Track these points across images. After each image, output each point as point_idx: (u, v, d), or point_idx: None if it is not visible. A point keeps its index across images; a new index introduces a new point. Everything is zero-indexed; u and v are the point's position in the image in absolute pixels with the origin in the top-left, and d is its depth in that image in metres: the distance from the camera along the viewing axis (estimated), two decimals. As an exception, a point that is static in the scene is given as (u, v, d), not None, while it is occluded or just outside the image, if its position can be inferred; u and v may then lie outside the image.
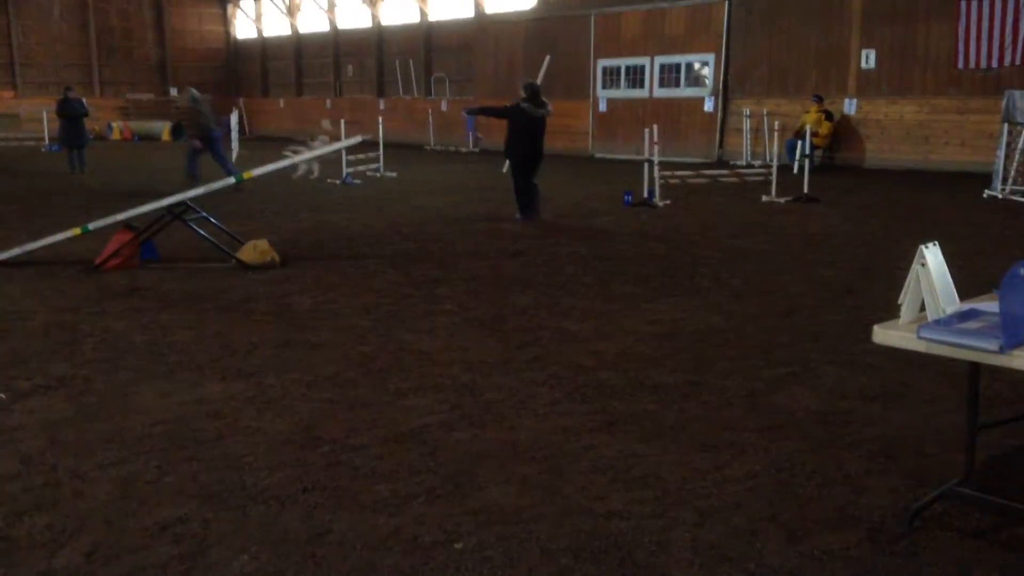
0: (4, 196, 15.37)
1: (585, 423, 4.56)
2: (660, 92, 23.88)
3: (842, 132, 20.02)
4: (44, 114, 29.07)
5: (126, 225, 8.98)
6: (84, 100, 20.72)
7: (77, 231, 9.02)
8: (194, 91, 17.34)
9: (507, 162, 12.96)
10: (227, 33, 40.32)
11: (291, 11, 37.03)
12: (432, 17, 31.04)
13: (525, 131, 11.91)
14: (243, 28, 40.11)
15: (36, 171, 20.39)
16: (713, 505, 3.60)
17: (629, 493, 3.72)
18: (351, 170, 17.90)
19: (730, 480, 3.86)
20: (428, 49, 31.09)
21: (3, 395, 5.03)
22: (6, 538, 3.37)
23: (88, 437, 4.37)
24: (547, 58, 15.02)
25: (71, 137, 19.58)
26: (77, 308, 7.18)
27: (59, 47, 35.65)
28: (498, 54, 27.61)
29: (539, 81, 13.01)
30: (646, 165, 14.02)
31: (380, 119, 19.46)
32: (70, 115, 19.50)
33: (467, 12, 29.39)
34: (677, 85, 23.55)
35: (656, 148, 13.90)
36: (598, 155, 25.07)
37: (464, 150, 27.13)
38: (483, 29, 28.66)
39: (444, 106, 29.65)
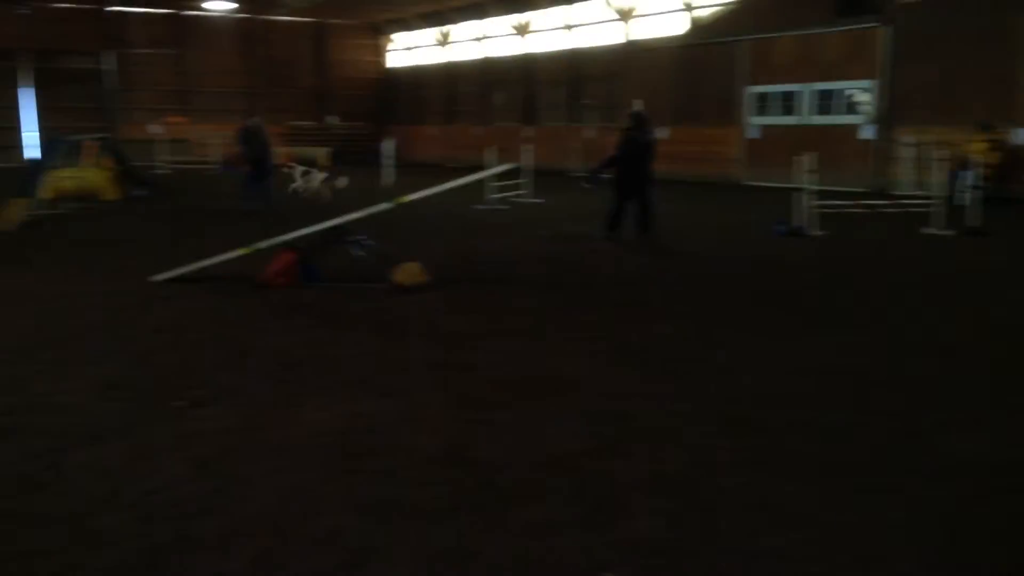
0: (179, 216, 16.43)
1: (736, 458, 4.47)
2: (815, 119, 23.24)
3: (1013, 163, 18.92)
4: (214, 139, 30.94)
5: (290, 246, 9.44)
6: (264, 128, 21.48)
7: (246, 250, 9.54)
8: (257, 119, 18.32)
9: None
10: (381, 63, 41.87)
11: (443, 41, 38.13)
12: (580, 45, 31.31)
13: (632, 157, 12.60)
14: (398, 58, 41.56)
15: (207, 192, 21.69)
16: (875, 552, 3.46)
17: (784, 533, 3.62)
18: (498, 196, 18.22)
19: (893, 526, 3.69)
20: (576, 76, 31.34)
21: (181, 403, 5.37)
22: (183, 538, 3.60)
23: (255, 446, 4.62)
24: (638, 103, 15.00)
25: (253, 164, 20.34)
26: (244, 323, 7.59)
27: (228, 76, 37.92)
28: (645, 81, 27.55)
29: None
30: (799, 194, 13.66)
31: (527, 146, 19.74)
32: (253, 142, 20.11)
33: (615, 39, 29.50)
34: (833, 112, 22.87)
35: (810, 176, 13.52)
36: (748, 182, 24.59)
37: (607, 176, 27.12)
38: (631, 56, 28.71)
39: (591, 133, 29.76)
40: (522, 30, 33.63)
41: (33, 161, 24.30)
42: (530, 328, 7.43)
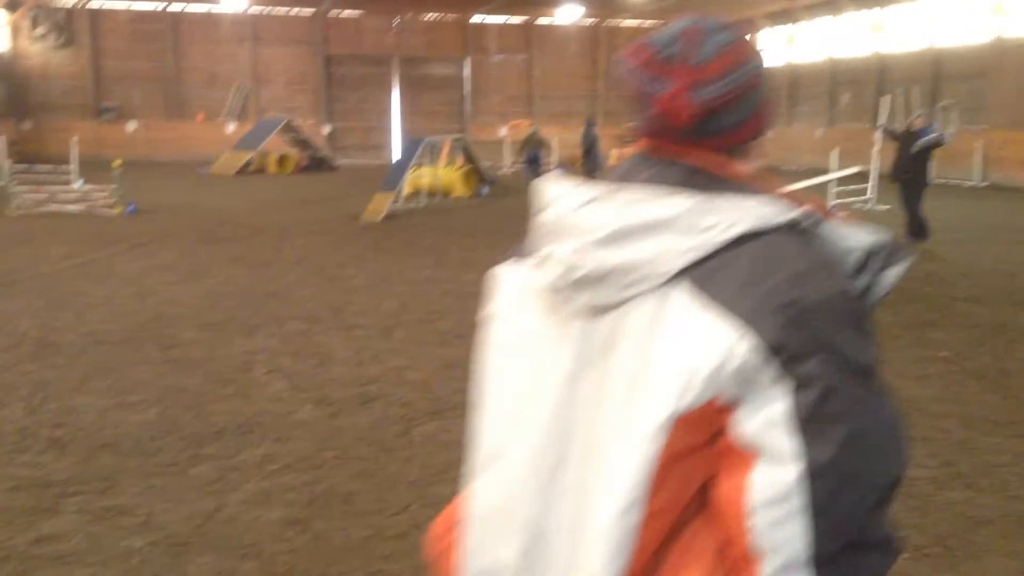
0: (518, 213, 17.37)
1: (1114, 507, 3.90)
2: None
3: None
4: (555, 141, 32.27)
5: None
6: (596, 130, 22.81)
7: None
8: (538, 129, 20.77)
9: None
10: (723, 64, 41.32)
11: (787, 41, 36.88)
12: (941, 43, 28.81)
13: (913, 157, 13.01)
14: (738, 59, 40.81)
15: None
16: None
17: None
18: (836, 202, 17.29)
19: None
20: (935, 77, 28.90)
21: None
22: (510, 513, 3.81)
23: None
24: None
25: (589, 163, 21.64)
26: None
27: (570, 80, 39.42)
28: (1020, 81, 24.74)
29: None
30: None
31: (875, 149, 18.53)
32: (589, 143, 21.56)
33: (983, 36, 26.79)
34: None
35: None
36: None
37: (969, 183, 24.74)
38: (1002, 54, 25.92)
39: (948, 137, 27.29)
40: (876, 29, 31.62)
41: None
42: (868, 342, 6.97)
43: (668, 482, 1.08)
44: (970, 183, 24.90)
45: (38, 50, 34.11)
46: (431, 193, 19.21)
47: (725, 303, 1.05)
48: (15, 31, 33.79)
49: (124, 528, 3.69)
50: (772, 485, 1.03)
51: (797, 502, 1.02)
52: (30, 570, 3.35)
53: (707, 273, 1.08)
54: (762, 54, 1.23)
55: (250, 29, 35.40)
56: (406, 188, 18.35)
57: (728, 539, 1.07)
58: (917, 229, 12.95)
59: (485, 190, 21.47)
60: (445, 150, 21.58)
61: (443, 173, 20.46)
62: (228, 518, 3.80)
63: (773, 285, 1.05)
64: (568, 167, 24.75)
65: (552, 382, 1.16)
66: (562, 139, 30.20)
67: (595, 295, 1.13)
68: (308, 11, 35.37)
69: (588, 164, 21.53)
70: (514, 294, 1.28)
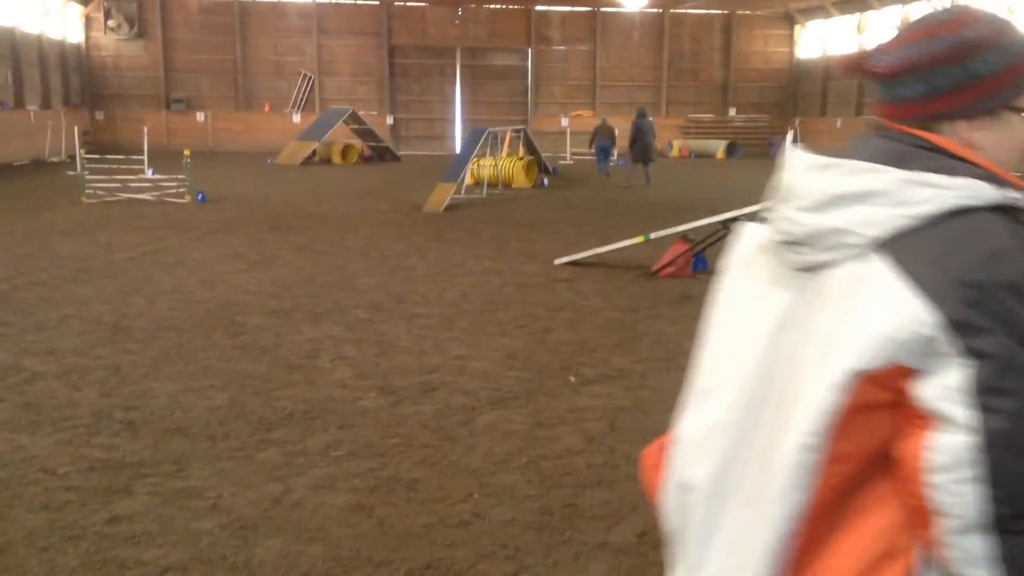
0: (579, 204, 17.34)
1: None
2: None
3: None
4: (616, 132, 32.09)
5: (683, 237, 9.55)
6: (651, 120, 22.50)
7: (639, 239, 9.82)
8: (606, 118, 22.58)
9: None
10: (791, 53, 40.60)
11: (860, 29, 36.07)
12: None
13: None
14: (809, 48, 40.06)
15: (605, 183, 22.64)
16: None
17: None
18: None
19: None
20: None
21: (573, 378, 5.69)
22: (572, 506, 3.82)
23: (643, 427, 4.75)
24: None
25: (640, 153, 21.27)
26: (636, 309, 7.83)
27: (634, 70, 39.09)
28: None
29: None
30: None
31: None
32: (635, 132, 21.26)
33: (1066, 21, 25.82)
34: None
35: None
36: None
37: None
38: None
39: None
40: (950, 14, 30.73)
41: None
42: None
43: (851, 432, 1.16)
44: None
45: (111, 42, 35.01)
46: (492, 184, 19.25)
47: (916, 275, 1.12)
48: (89, 23, 34.71)
49: (194, 510, 3.78)
50: (947, 451, 1.09)
51: (970, 470, 1.08)
52: (103, 549, 3.46)
53: (907, 245, 1.15)
54: (986, 36, 1.23)
55: (315, 20, 35.84)
56: (468, 179, 18.42)
57: (911, 494, 1.14)
58: None
59: (546, 181, 21.46)
60: (507, 141, 21.61)
61: (505, 164, 20.49)
62: (295, 502, 3.87)
63: (963, 262, 1.11)
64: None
65: (764, 331, 1.28)
66: (622, 130, 30.01)
67: (803, 255, 1.24)
68: (373, 1, 35.67)
69: (634, 152, 21.30)
70: (748, 248, 1.40)
